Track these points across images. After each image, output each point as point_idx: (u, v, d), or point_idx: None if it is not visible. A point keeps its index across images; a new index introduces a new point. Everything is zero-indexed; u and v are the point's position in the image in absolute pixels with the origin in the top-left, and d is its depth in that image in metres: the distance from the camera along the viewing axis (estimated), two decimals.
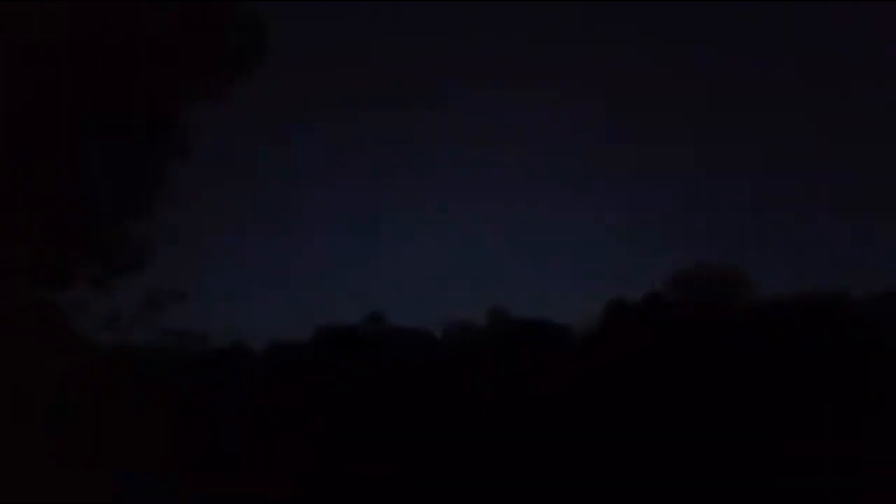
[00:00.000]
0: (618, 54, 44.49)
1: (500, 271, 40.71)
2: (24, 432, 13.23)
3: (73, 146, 11.28)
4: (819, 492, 26.36)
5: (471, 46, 43.39)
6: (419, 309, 37.71)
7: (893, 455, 26.37)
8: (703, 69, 44.67)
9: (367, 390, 31.96)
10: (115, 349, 14.97)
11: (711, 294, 31.09)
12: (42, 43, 10.11)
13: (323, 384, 32.27)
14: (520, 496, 27.89)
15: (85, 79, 10.91)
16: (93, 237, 13.40)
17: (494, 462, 28.67)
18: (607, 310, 30.73)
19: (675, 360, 28.73)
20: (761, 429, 27.61)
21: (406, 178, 42.77)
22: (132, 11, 11.00)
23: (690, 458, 27.26)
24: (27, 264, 12.57)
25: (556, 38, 44.40)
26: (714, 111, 44.85)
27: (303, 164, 40.21)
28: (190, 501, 24.50)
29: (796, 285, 32.20)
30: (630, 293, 32.72)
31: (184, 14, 11.76)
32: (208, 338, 20.46)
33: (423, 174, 43.12)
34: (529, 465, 28.23)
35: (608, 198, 43.45)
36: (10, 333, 13.12)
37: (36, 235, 12.18)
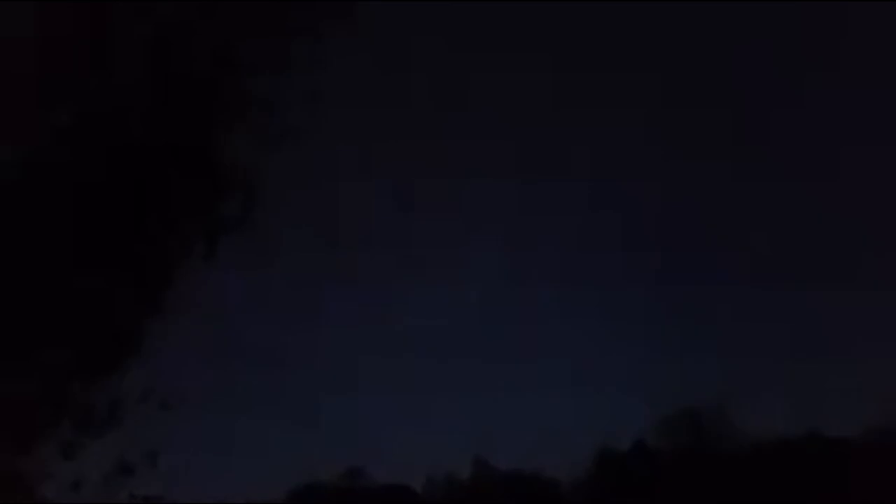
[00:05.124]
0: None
1: (483, 420, 39.78)
2: None
3: (52, 298, 10.69)
4: None
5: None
6: (399, 462, 36.63)
7: None
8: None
9: None
10: None
11: (697, 440, 30.37)
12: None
13: None
14: None
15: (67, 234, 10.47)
16: (64, 398, 12.61)
17: None
18: (596, 461, 29.89)
19: None
20: None
21: (386, 324, 42.12)
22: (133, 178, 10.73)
23: None
24: None
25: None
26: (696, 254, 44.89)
27: (279, 317, 39.61)
28: None
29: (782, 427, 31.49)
30: (616, 441, 31.84)
31: (180, 179, 11.51)
32: None
33: (402, 318, 42.49)
34: None
35: (589, 342, 42.95)
36: None
37: (4, 399, 11.41)
